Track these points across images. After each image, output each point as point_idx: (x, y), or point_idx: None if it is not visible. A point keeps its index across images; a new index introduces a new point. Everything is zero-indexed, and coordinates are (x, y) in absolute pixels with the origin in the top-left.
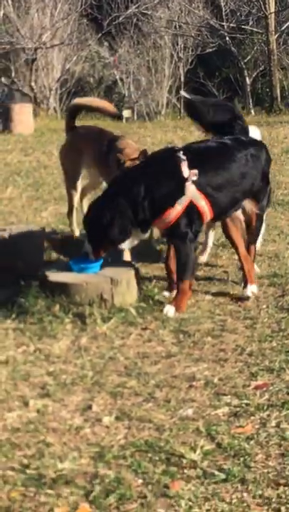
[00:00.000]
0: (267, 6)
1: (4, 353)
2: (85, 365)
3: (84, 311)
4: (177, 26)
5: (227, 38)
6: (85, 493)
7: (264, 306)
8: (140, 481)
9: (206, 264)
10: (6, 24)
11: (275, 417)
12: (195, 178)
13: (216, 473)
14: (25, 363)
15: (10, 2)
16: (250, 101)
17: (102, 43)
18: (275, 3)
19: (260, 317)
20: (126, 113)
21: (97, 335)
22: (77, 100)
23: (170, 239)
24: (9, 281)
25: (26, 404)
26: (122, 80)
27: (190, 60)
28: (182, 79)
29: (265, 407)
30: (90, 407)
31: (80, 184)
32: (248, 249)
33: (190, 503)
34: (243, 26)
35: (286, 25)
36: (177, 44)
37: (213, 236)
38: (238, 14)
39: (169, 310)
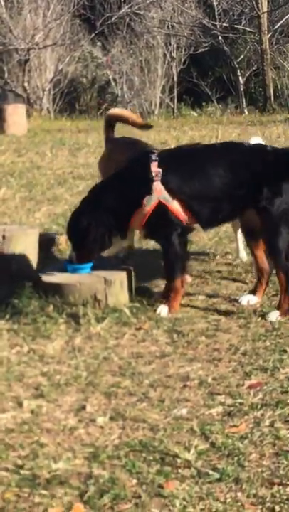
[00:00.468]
0: (259, 5)
1: None
2: (79, 365)
3: (78, 311)
4: (170, 26)
5: (220, 38)
6: (79, 494)
7: (257, 306)
8: (134, 481)
9: (200, 264)
10: None
11: (269, 416)
12: (159, 177)
13: (210, 472)
14: (19, 364)
15: (2, 3)
16: (244, 100)
17: (95, 43)
18: (268, 2)
19: (254, 316)
20: None
21: (91, 335)
22: (111, 111)
23: (155, 240)
24: (3, 282)
25: (20, 404)
26: (115, 80)
27: (183, 60)
28: (175, 79)
29: (259, 407)
30: (84, 408)
31: None
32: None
33: (184, 503)
34: (235, 26)
35: (279, 24)
36: (170, 44)
37: (240, 236)
38: (231, 14)
39: (162, 310)
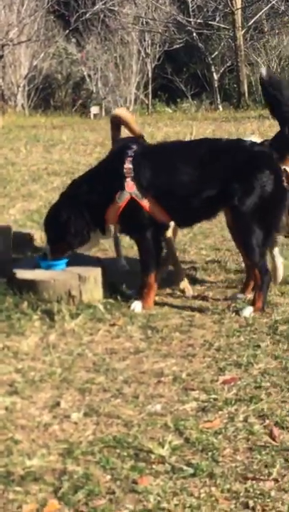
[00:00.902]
0: (234, 1)
1: None
2: (53, 361)
3: (52, 307)
4: (144, 22)
5: (194, 34)
6: (54, 490)
7: (231, 302)
8: (108, 476)
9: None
10: None
11: (243, 412)
12: (130, 174)
13: (184, 468)
14: None
15: None
16: (218, 96)
17: (70, 40)
18: None
19: (228, 312)
20: (94, 109)
21: (65, 331)
22: (116, 111)
23: (130, 235)
24: None
25: None
26: (89, 76)
27: (157, 56)
28: (150, 75)
29: (233, 402)
30: (58, 404)
31: None
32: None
33: (158, 498)
34: (210, 22)
35: (253, 20)
36: (144, 40)
37: (279, 254)
38: (205, 10)
39: (136, 305)
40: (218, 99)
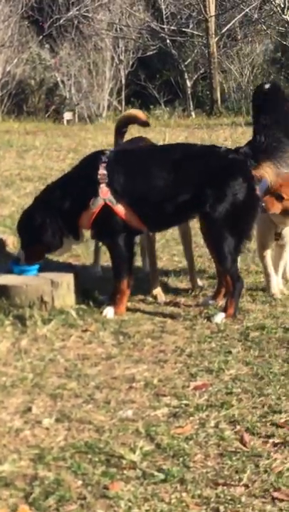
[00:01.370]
0: (207, 9)
1: None
2: (25, 367)
3: (24, 313)
4: (118, 29)
5: (168, 41)
6: (25, 495)
7: (203, 308)
8: (80, 482)
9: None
10: None
11: (214, 417)
12: (104, 179)
13: (156, 473)
14: None
15: None
16: (191, 103)
17: (43, 46)
18: (215, 6)
19: (200, 318)
20: (67, 115)
21: (37, 337)
22: (126, 113)
23: (102, 241)
24: None
25: None
26: (63, 82)
27: (131, 63)
28: (123, 81)
29: (204, 408)
30: (29, 409)
31: None
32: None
33: (129, 504)
34: (183, 29)
35: (226, 28)
36: (118, 46)
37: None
38: (179, 17)
39: (109, 311)
40: (191, 106)
